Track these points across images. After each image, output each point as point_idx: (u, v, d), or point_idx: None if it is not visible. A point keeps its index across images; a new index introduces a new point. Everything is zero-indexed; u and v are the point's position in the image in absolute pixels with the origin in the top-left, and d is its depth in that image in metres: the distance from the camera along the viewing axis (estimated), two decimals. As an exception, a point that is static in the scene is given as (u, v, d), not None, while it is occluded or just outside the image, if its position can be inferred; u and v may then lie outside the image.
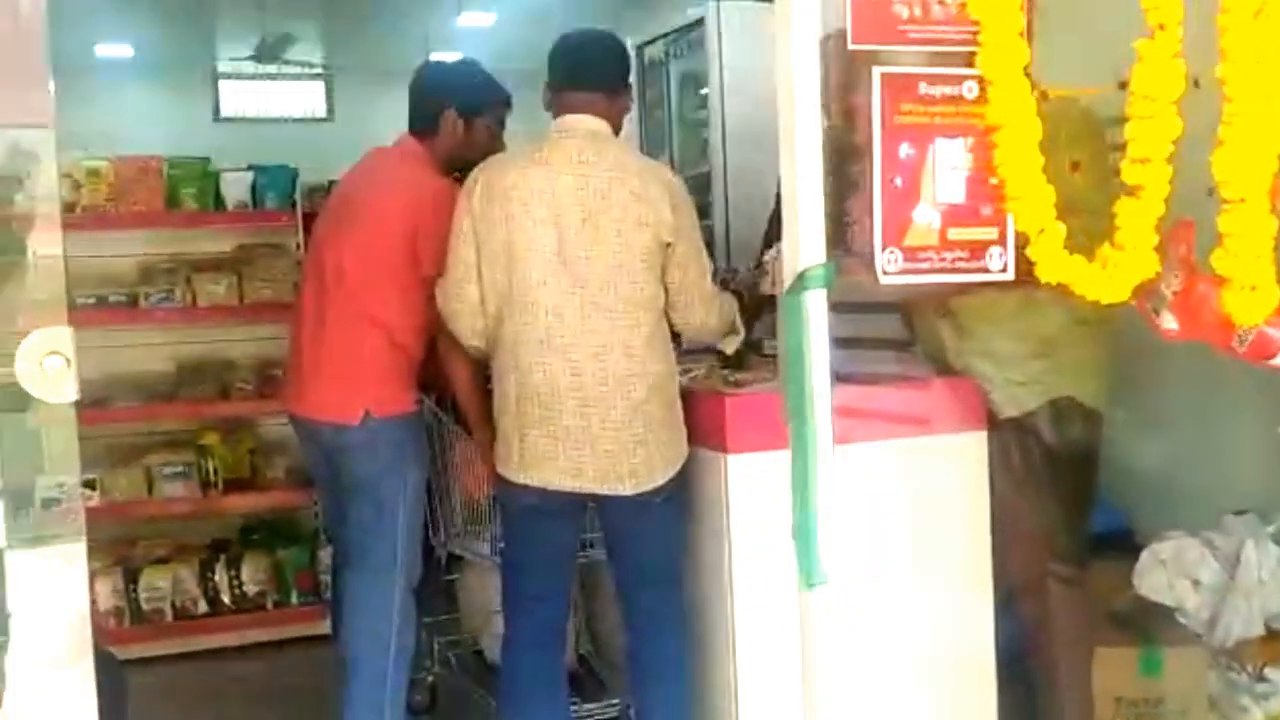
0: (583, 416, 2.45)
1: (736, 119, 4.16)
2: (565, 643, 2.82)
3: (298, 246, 4.35)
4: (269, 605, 4.32)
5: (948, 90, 1.88)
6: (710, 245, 3.21)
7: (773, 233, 3.42)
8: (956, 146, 1.89)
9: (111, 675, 2.18)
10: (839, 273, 1.84)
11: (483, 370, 2.72)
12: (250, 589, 4.30)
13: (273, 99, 9.45)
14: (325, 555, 4.24)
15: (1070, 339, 2.62)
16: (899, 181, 1.88)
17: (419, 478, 2.95)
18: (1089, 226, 1.84)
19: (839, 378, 1.84)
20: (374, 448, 2.85)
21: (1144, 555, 2.90)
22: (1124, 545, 3.11)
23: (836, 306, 1.83)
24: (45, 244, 1.61)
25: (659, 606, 2.58)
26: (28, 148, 1.62)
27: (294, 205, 4.37)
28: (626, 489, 2.46)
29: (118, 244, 4.34)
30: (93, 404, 3.96)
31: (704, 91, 4.25)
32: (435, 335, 2.81)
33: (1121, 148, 2.91)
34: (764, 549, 2.45)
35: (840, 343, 1.88)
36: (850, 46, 1.84)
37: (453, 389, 2.87)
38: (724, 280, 3.01)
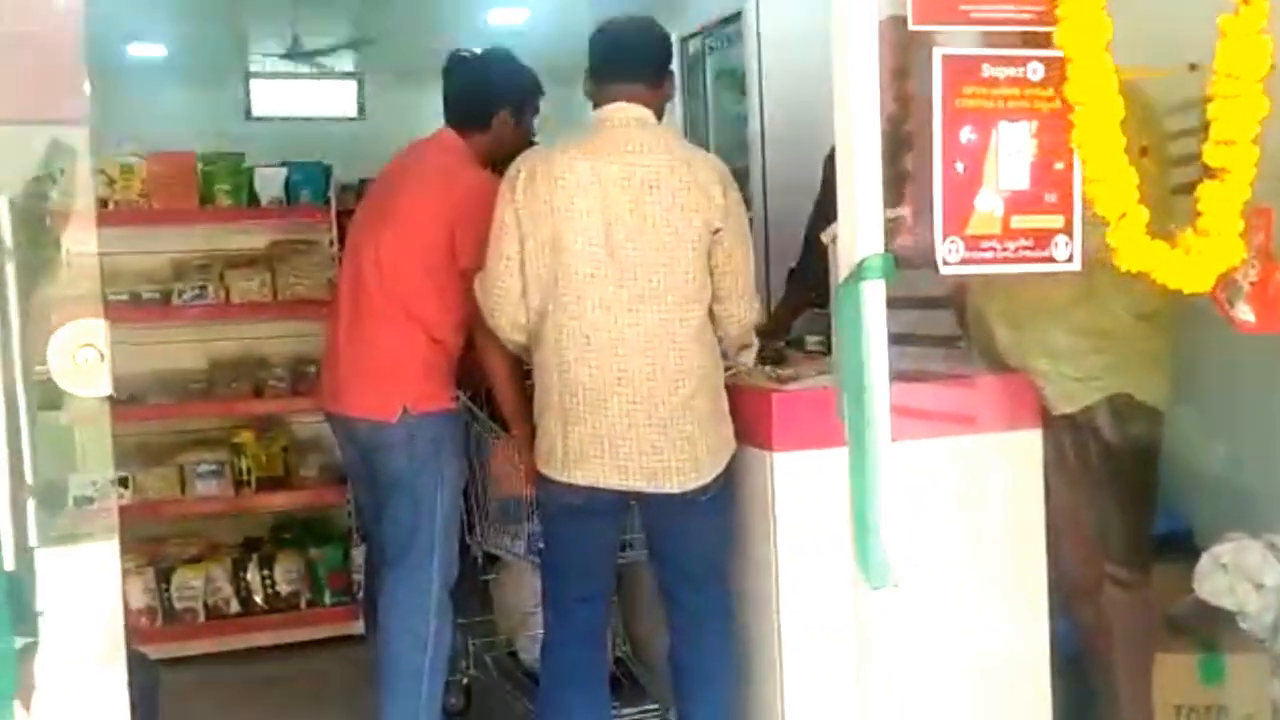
0: (629, 413, 2.38)
1: (776, 112, 4.12)
2: (607, 644, 2.76)
3: (331, 243, 4.33)
4: (302, 605, 4.28)
5: (1011, 72, 1.82)
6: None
7: (818, 226, 3.37)
8: (1020, 130, 1.83)
9: (144, 675, 2.16)
10: (896, 265, 1.78)
11: (521, 366, 2.66)
12: (283, 588, 4.26)
13: (305, 98, 9.44)
14: (358, 555, 4.23)
15: (1130, 333, 2.53)
16: (960, 167, 1.81)
17: (456, 475, 2.91)
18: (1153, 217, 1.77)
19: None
20: (411, 445, 2.82)
21: (1204, 558, 2.78)
22: (1183, 547, 3.01)
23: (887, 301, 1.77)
24: (79, 241, 1.61)
25: (703, 607, 2.52)
26: (64, 145, 1.62)
27: (328, 202, 4.34)
28: (674, 487, 2.39)
29: (151, 240, 4.31)
30: (125, 402, 3.93)
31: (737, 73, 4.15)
32: (472, 330, 2.76)
33: (1180, 135, 2.85)
34: (811, 549, 2.45)
35: (889, 339, 1.82)
36: (911, 27, 1.78)
37: (490, 385, 2.82)
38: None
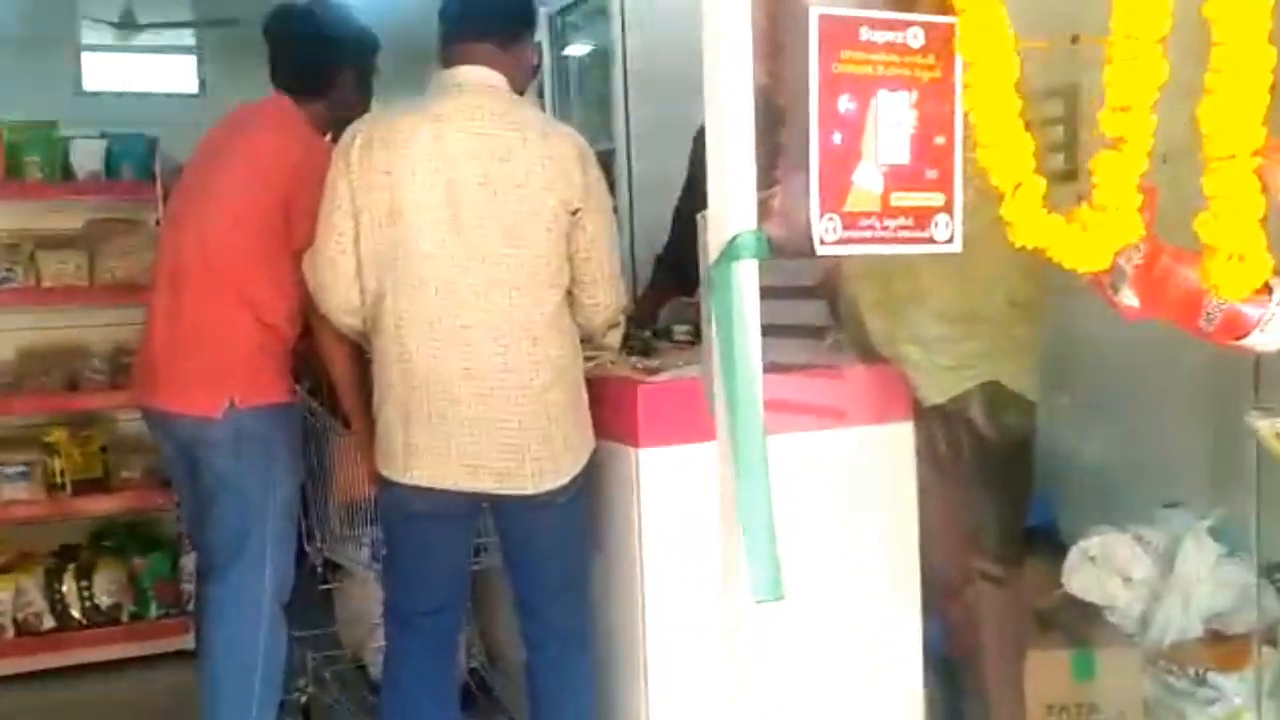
0: (479, 407, 2.18)
1: (641, 94, 3.98)
2: (457, 657, 2.56)
3: (157, 222, 3.97)
4: (124, 618, 3.97)
5: (890, 37, 1.69)
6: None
7: (686, 209, 3.23)
8: (900, 100, 1.71)
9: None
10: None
11: (363, 354, 2.43)
12: (103, 601, 3.94)
13: (141, 73, 8.90)
14: (188, 563, 3.91)
15: (1003, 319, 2.46)
16: (838, 138, 1.68)
17: (291, 476, 2.68)
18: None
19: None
20: (239, 443, 2.58)
21: (1072, 552, 2.75)
22: (1048, 540, 2.98)
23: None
24: None
25: (563, 619, 2.34)
26: None
27: (153, 177, 3.99)
28: (529, 487, 2.20)
29: (-51, 217, 3.93)
30: (-80, 396, 3.58)
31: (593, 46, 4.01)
32: (309, 316, 2.52)
33: (1052, 121, 2.80)
34: (679, 552, 2.30)
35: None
36: (788, -20, 1.64)
37: (328, 376, 2.57)
38: None
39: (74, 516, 4.08)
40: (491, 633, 3.14)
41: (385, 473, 2.27)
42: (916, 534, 2.52)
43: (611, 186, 3.80)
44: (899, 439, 2.52)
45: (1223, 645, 2.45)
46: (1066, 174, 2.43)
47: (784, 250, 1.70)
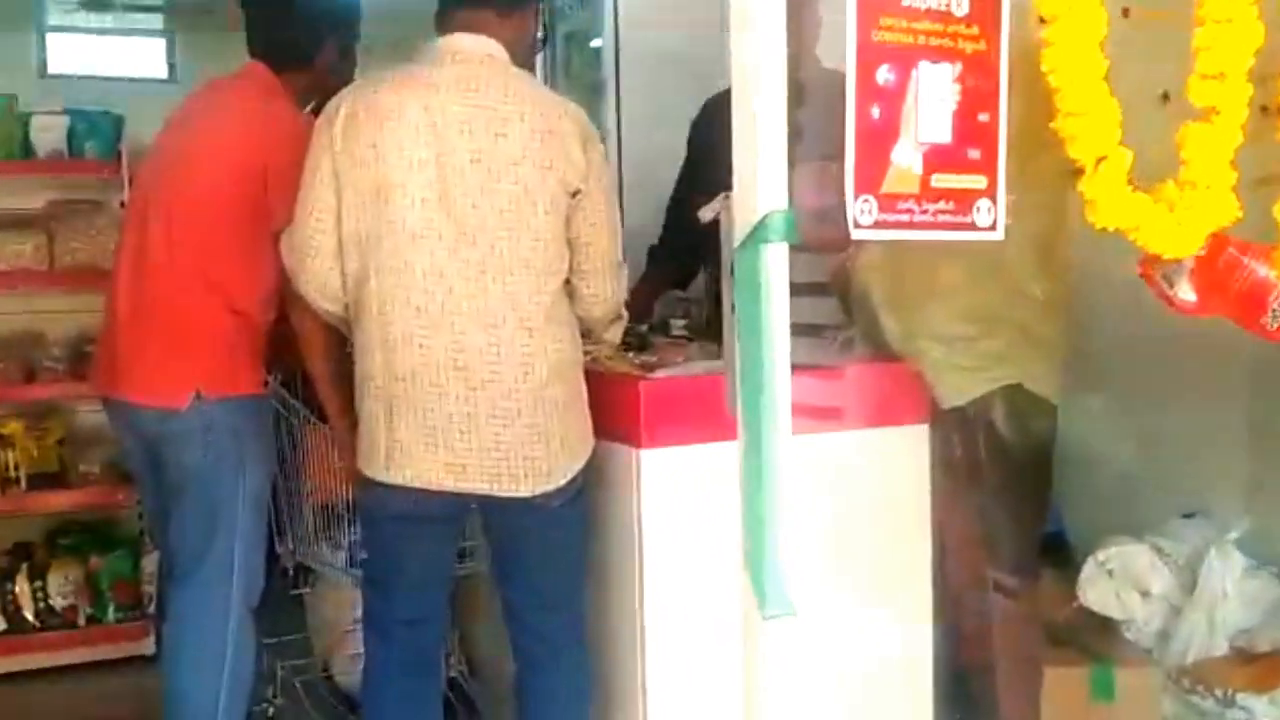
0: (468, 402, 2.02)
1: (633, 77, 3.82)
2: (440, 670, 2.40)
3: (122, 204, 3.78)
4: (81, 621, 3.78)
5: (933, 3, 1.56)
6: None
7: (683, 198, 3.09)
8: (943, 73, 1.58)
9: None
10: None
11: (344, 343, 2.26)
12: (58, 602, 3.75)
13: (107, 56, 8.65)
14: (150, 563, 3.75)
15: (1024, 318, 2.33)
16: (876, 113, 1.55)
17: (262, 474, 2.52)
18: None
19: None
20: (207, 436, 2.41)
21: (1088, 564, 2.64)
22: (1058, 549, 2.86)
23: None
24: None
25: (556, 632, 2.18)
26: None
27: (118, 156, 3.80)
28: (522, 490, 2.04)
29: (-102, 195, 3.74)
30: None
31: (594, 44, 3.88)
32: (285, 300, 2.36)
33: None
34: (681, 560, 2.16)
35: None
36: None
37: (304, 366, 2.40)
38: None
39: (28, 513, 3.89)
40: (473, 640, 2.98)
41: (366, 471, 2.11)
42: (929, 542, 2.39)
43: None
44: (913, 442, 2.39)
45: (1251, 664, 2.33)
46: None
47: (804, 244, 1.57)
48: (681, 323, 2.88)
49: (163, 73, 9.01)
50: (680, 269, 3.09)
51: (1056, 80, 1.32)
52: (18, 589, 3.72)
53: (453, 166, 2.01)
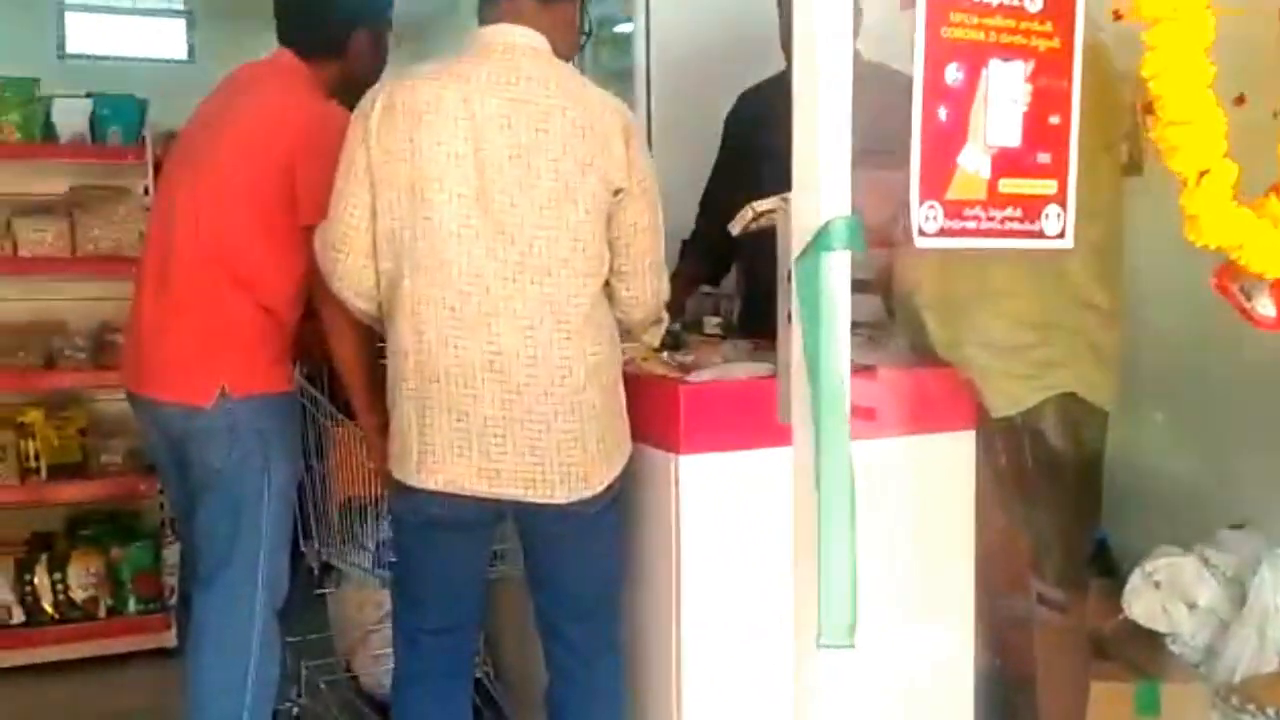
0: (504, 405, 1.96)
1: (663, 69, 3.73)
2: (471, 674, 2.35)
3: (146, 190, 3.78)
4: (101, 613, 3.77)
5: (1006, -2, 1.48)
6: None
7: (717, 192, 3.02)
8: (1014, 72, 1.51)
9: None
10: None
11: (375, 341, 2.20)
12: (78, 594, 3.75)
13: (126, 36, 8.61)
14: (171, 554, 3.74)
15: (1079, 325, 2.25)
16: (944, 114, 1.47)
17: (289, 474, 2.46)
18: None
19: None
20: (232, 435, 2.37)
21: (1135, 574, 2.56)
22: (1101, 560, 2.78)
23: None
24: None
25: (590, 641, 2.13)
26: None
27: (142, 141, 3.77)
28: (557, 496, 1.99)
29: (-80, 179, 3.72)
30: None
31: (620, 29, 3.80)
32: (313, 297, 2.31)
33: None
34: (720, 570, 2.11)
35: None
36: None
37: (334, 363, 2.35)
38: None
39: (48, 503, 3.88)
40: (500, 642, 2.93)
41: (397, 475, 2.05)
42: (973, 553, 2.33)
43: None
44: (959, 449, 2.32)
45: (1304, 683, 2.26)
46: (1132, 166, 2.23)
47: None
48: (715, 320, 2.82)
49: (183, 53, 8.96)
50: (715, 264, 3.03)
51: (1158, 87, 1.24)
52: (37, 580, 3.72)
53: (491, 162, 1.95)
